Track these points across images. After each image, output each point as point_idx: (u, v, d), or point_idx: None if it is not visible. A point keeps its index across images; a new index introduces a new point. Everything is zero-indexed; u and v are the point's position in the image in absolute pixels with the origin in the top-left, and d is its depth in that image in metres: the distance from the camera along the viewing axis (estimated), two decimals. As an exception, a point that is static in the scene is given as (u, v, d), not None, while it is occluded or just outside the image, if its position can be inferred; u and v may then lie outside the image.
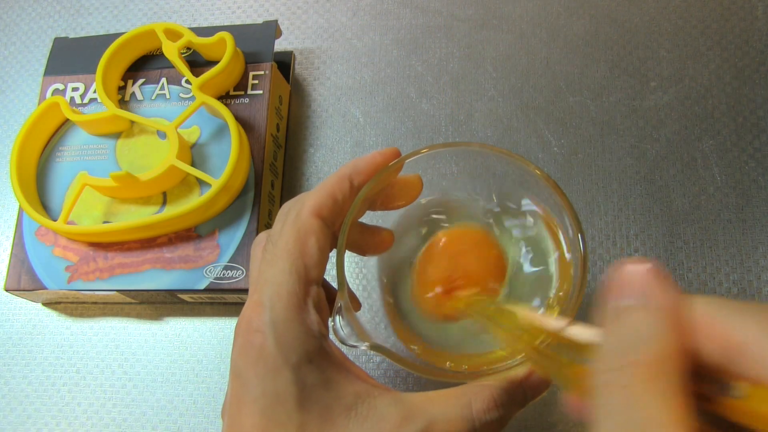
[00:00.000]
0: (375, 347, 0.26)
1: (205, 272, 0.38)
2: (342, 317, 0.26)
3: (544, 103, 0.42)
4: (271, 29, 0.43)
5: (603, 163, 0.41)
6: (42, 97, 0.43)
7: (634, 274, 0.17)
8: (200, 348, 0.40)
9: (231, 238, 0.38)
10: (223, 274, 0.38)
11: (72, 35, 0.47)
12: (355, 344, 0.26)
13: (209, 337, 0.40)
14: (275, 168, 0.42)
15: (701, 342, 0.16)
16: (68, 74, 0.44)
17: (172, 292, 0.38)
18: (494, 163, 0.30)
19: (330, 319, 0.26)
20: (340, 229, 0.27)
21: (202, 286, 0.38)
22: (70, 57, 0.44)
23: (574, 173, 0.40)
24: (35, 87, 0.48)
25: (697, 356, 0.16)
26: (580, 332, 0.21)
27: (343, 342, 0.26)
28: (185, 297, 0.39)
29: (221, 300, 0.40)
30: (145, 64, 0.44)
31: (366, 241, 0.31)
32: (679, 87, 0.42)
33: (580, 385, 0.20)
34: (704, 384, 0.16)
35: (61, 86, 0.44)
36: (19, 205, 0.40)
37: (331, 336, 0.26)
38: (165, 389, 0.39)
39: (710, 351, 0.16)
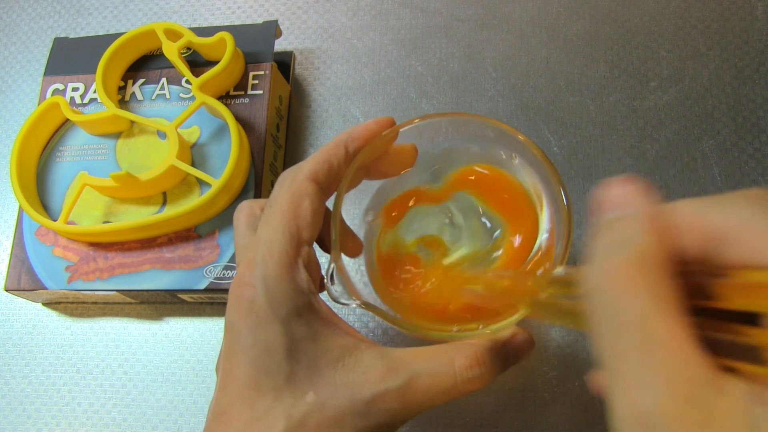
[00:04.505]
0: (365, 305, 0.27)
1: (205, 272, 0.38)
2: (335, 277, 0.27)
3: (544, 103, 0.42)
4: (271, 29, 0.43)
5: (603, 163, 0.41)
6: (42, 97, 0.43)
7: (617, 190, 0.18)
8: (200, 348, 0.40)
9: (231, 238, 0.38)
10: (223, 274, 0.38)
11: (72, 35, 0.47)
12: (346, 302, 0.27)
13: (209, 337, 0.40)
14: (275, 168, 0.42)
15: (685, 239, 0.17)
16: (68, 74, 0.44)
17: (172, 292, 0.38)
18: (485, 131, 0.31)
19: (324, 276, 0.27)
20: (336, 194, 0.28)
21: (202, 286, 0.38)
22: (70, 57, 0.44)
23: (574, 173, 0.40)
24: (35, 87, 0.48)
25: (684, 254, 0.17)
26: (570, 270, 0.21)
27: (335, 300, 0.27)
28: (185, 297, 0.39)
29: (221, 300, 0.40)
30: (145, 64, 0.44)
31: None
32: (679, 87, 0.42)
33: (580, 320, 0.20)
34: (691, 277, 0.16)
35: (61, 86, 0.44)
36: (19, 205, 0.40)
37: (325, 295, 0.27)
38: (165, 389, 0.39)
39: (695, 246, 0.16)
